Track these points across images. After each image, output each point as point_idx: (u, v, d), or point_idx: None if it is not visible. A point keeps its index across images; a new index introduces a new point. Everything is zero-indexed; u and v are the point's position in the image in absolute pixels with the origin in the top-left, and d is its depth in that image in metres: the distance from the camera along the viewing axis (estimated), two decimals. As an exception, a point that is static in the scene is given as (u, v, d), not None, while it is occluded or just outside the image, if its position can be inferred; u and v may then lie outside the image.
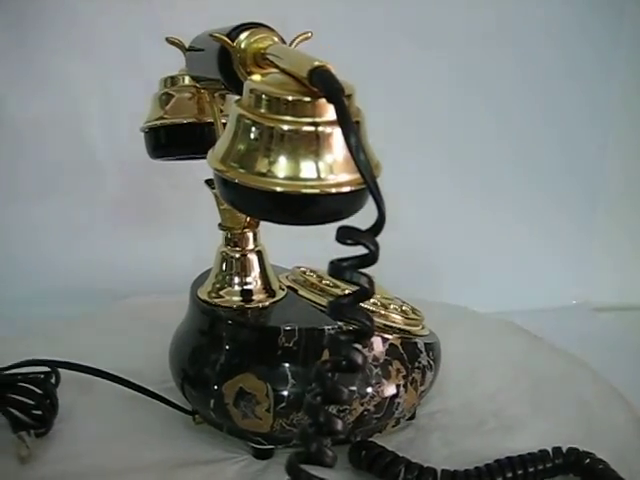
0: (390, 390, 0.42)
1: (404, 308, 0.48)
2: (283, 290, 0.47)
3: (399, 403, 0.43)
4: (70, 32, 0.63)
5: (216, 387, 0.42)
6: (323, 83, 0.29)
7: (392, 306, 0.48)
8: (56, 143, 0.70)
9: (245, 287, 0.46)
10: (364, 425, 0.42)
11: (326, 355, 0.41)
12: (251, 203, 0.31)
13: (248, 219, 0.46)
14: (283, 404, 0.41)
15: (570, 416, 0.49)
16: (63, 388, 0.48)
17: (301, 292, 0.47)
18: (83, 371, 0.48)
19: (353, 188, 0.31)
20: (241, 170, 0.30)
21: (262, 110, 0.30)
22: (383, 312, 0.45)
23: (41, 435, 0.45)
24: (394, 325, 0.45)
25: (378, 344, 0.43)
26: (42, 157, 0.71)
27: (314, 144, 0.30)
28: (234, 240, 0.46)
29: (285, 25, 0.39)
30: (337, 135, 0.31)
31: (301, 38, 0.39)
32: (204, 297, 0.45)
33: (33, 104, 0.67)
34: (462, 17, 0.74)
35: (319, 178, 0.30)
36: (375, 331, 0.36)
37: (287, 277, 0.49)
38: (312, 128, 0.30)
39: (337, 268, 0.28)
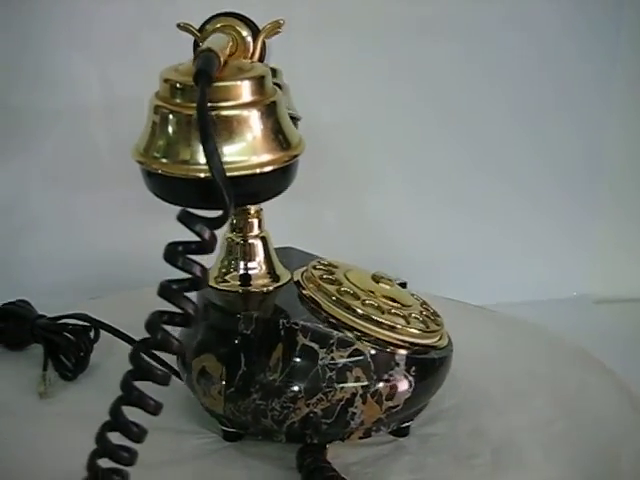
0: (341, 396, 0.40)
1: (424, 314, 0.46)
2: (288, 275, 0.47)
3: (355, 413, 0.40)
4: (70, 23, 0.64)
5: (189, 361, 0.44)
6: (196, 66, 0.29)
7: (413, 314, 0.45)
8: (58, 134, 0.70)
9: (246, 272, 0.46)
10: (313, 427, 0.40)
11: (280, 349, 0.41)
12: (176, 192, 0.32)
13: (253, 206, 0.47)
14: (232, 389, 0.41)
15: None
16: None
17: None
18: (118, 336, 0.53)
19: (277, 166, 0.32)
20: (163, 160, 0.31)
21: (177, 100, 0.31)
22: (400, 325, 0.42)
23: (68, 379, 0.51)
24: (408, 340, 0.42)
25: (341, 346, 0.41)
26: (43, 148, 0.71)
27: (233, 127, 0.31)
28: (239, 226, 0.46)
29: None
30: (255, 116, 0.31)
31: (270, 27, 0.39)
32: (210, 282, 0.46)
33: (34, 96, 0.68)
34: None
35: (242, 160, 0.31)
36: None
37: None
38: (229, 112, 0.31)
39: (170, 253, 0.28)
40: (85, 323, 0.54)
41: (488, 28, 0.75)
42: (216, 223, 0.28)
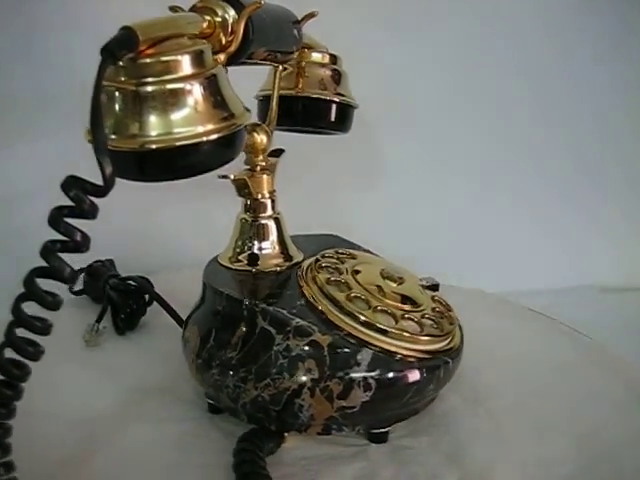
0: (288, 385, 0.39)
1: (437, 310, 0.45)
2: (301, 256, 0.48)
3: (302, 405, 0.39)
4: (69, 5, 0.65)
5: (184, 329, 0.46)
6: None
7: (426, 315, 0.43)
8: (60, 116, 0.64)
9: (252, 252, 0.47)
10: (263, 412, 0.40)
11: (242, 329, 0.41)
12: (129, 167, 0.33)
13: (267, 186, 0.47)
14: (200, 361, 0.42)
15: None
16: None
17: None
18: (163, 306, 0.57)
19: (221, 134, 0.33)
20: (113, 136, 0.32)
21: (122, 77, 0.32)
22: (409, 334, 0.41)
23: (119, 334, 0.57)
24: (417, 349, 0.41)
25: (299, 335, 0.39)
26: (46, 131, 0.70)
27: (176, 100, 0.32)
28: (253, 207, 0.47)
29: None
30: (197, 88, 0.33)
31: (251, 8, 0.39)
32: (225, 262, 0.47)
33: (38, 79, 0.69)
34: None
35: (187, 130, 0.32)
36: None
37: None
38: (172, 85, 0.32)
39: (53, 218, 0.29)
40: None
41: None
42: (98, 192, 0.29)
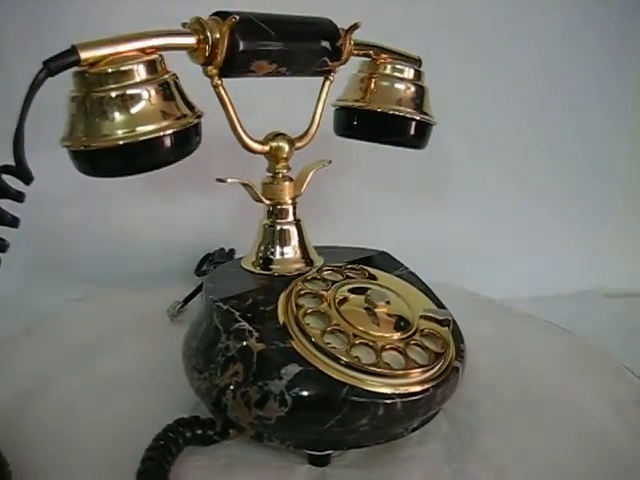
0: (217, 383, 0.40)
1: (427, 331, 0.43)
2: (321, 261, 0.50)
3: (227, 406, 0.40)
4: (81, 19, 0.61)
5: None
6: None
7: (412, 342, 0.42)
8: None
9: (266, 256, 0.49)
10: (205, 403, 0.42)
11: (206, 322, 0.44)
12: (102, 163, 0.38)
13: (288, 193, 0.49)
14: (184, 346, 0.46)
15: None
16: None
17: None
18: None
19: (175, 130, 0.38)
20: (84, 138, 0.37)
21: (88, 87, 0.37)
22: (400, 372, 0.40)
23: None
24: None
25: (237, 337, 0.40)
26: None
27: (136, 102, 0.38)
28: (275, 212, 0.49)
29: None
30: (153, 92, 0.38)
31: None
32: (247, 266, 0.49)
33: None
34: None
35: (148, 128, 0.38)
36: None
37: None
38: (131, 91, 0.38)
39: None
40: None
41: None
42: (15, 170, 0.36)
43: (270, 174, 0.49)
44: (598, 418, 0.47)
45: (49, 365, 0.53)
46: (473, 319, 0.48)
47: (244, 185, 0.47)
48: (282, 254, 0.49)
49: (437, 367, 0.42)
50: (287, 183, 0.49)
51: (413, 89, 0.53)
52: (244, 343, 0.40)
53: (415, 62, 0.55)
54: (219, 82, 0.43)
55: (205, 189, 0.72)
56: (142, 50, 0.39)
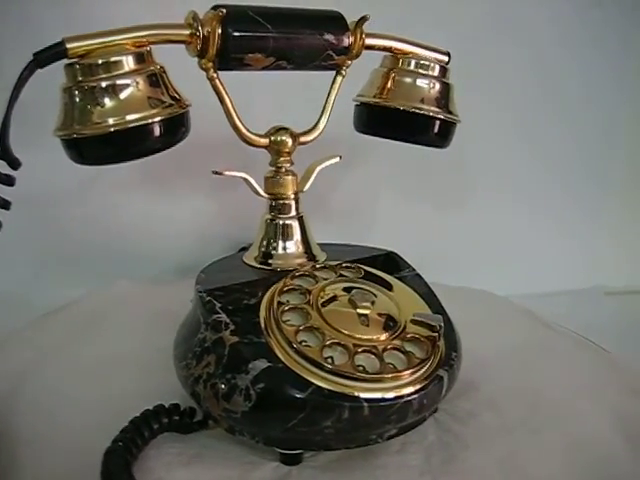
0: (192, 372, 0.41)
1: (412, 335, 0.42)
2: (324, 257, 0.50)
3: (200, 395, 0.40)
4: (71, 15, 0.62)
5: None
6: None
7: (389, 346, 0.41)
8: None
9: (267, 251, 0.49)
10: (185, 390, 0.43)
11: (190, 314, 0.44)
12: (94, 151, 0.40)
13: (291, 187, 0.49)
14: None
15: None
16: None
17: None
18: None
19: (163, 117, 0.40)
20: (77, 127, 0.39)
21: (79, 78, 0.39)
22: (373, 376, 0.39)
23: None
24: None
25: (213, 329, 0.41)
26: None
27: (127, 91, 0.40)
28: (277, 207, 0.49)
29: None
30: (141, 80, 0.40)
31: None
32: (249, 261, 0.49)
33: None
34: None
35: (140, 114, 0.40)
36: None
37: None
38: (123, 80, 0.40)
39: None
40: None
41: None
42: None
43: (273, 168, 0.49)
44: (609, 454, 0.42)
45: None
46: (494, 325, 0.50)
47: (242, 178, 0.47)
48: (284, 249, 0.49)
49: (418, 374, 0.40)
50: (290, 177, 0.49)
51: (438, 86, 0.51)
52: (219, 335, 0.40)
53: (441, 58, 0.52)
54: (214, 75, 0.44)
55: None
56: (133, 43, 0.40)
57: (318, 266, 0.47)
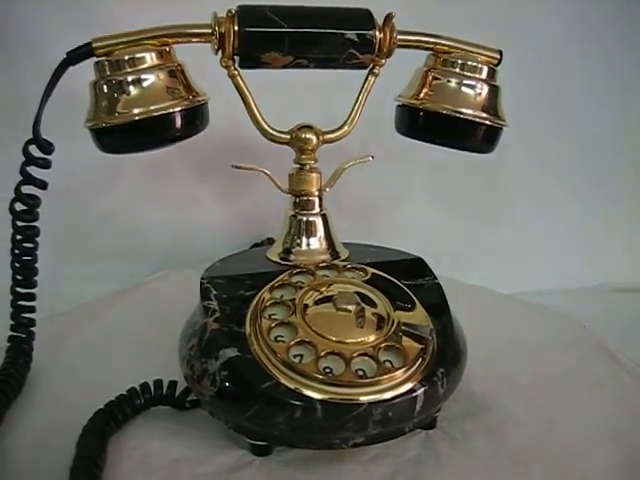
0: (181, 353, 0.43)
1: (401, 333, 0.41)
2: (346, 254, 0.50)
3: (185, 375, 0.43)
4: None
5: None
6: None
7: (383, 345, 0.40)
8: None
9: (288, 247, 0.49)
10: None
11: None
12: (122, 139, 0.44)
13: (315, 184, 0.49)
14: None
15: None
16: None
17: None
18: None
19: (183, 108, 0.44)
20: (105, 117, 0.43)
21: (107, 72, 0.43)
22: (334, 380, 0.38)
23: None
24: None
25: (202, 313, 0.43)
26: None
27: (150, 83, 0.44)
28: (301, 204, 0.49)
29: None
30: (164, 74, 0.43)
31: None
32: (274, 258, 0.50)
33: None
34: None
35: (161, 105, 0.44)
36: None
37: None
38: (146, 75, 0.44)
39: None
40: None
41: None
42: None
43: (297, 165, 0.49)
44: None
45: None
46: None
47: (264, 173, 0.49)
48: (308, 245, 0.49)
49: (384, 385, 0.38)
50: (314, 175, 0.49)
51: (484, 89, 0.48)
52: (205, 320, 0.42)
53: (492, 56, 0.49)
54: (235, 72, 0.46)
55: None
56: (156, 41, 0.44)
57: (322, 265, 0.47)
